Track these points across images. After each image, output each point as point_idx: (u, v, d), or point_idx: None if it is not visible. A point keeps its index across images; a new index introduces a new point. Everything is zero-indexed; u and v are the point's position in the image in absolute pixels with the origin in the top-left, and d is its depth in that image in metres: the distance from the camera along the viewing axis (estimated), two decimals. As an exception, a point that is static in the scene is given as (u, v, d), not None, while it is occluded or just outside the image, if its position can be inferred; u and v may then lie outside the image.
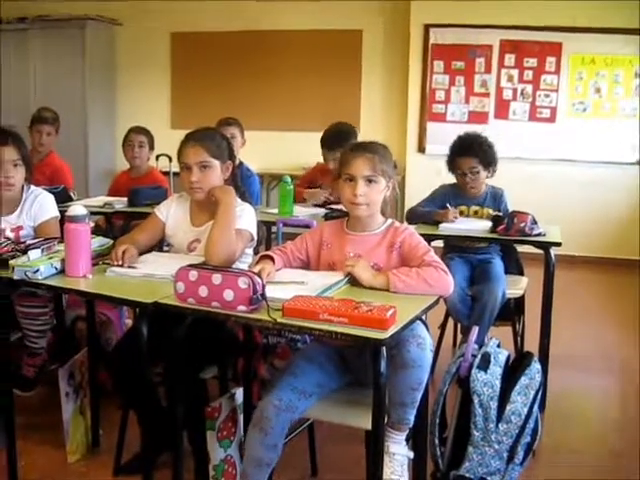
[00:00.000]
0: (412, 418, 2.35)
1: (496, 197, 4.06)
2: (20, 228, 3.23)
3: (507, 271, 3.97)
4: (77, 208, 2.59)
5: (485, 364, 2.45)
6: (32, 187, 3.34)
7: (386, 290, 2.33)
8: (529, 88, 7.34)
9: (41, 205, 3.28)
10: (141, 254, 2.82)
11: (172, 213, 2.99)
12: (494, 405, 2.40)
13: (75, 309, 3.53)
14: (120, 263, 2.63)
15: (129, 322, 3.70)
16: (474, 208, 4.05)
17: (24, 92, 8.08)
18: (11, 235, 3.14)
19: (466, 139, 4.02)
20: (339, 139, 4.18)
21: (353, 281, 2.40)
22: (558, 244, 3.59)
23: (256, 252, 3.04)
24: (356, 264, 2.40)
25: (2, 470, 2.76)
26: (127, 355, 2.67)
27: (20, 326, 3.35)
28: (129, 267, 2.63)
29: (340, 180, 2.55)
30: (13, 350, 3.32)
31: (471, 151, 3.94)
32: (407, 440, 2.43)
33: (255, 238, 2.91)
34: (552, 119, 7.32)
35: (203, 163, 2.83)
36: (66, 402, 2.95)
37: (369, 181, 2.49)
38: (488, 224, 3.79)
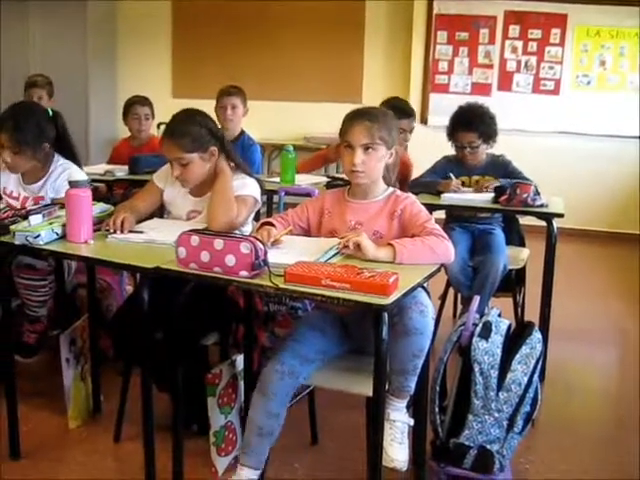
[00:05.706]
0: (413, 385, 2.35)
1: (496, 164, 4.04)
2: (41, 198, 3.22)
3: (508, 242, 3.96)
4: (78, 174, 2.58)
5: (486, 333, 2.45)
6: (61, 159, 3.32)
7: (391, 262, 2.25)
8: (533, 60, 7.27)
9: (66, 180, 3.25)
10: (140, 221, 2.80)
11: (170, 181, 2.96)
12: (495, 374, 2.40)
13: (76, 276, 3.52)
14: (116, 230, 2.62)
15: (129, 288, 3.71)
16: (475, 178, 4.03)
17: (24, 63, 7.97)
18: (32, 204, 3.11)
19: (466, 112, 3.99)
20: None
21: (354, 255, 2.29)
22: (561, 215, 3.56)
23: (257, 220, 3.03)
24: (358, 235, 2.30)
25: (3, 435, 2.78)
26: (128, 321, 2.67)
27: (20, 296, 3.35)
28: (131, 232, 2.63)
29: (341, 147, 2.53)
30: (14, 316, 3.32)
31: (471, 126, 3.92)
32: (407, 407, 2.42)
33: (260, 202, 2.89)
34: (556, 91, 7.26)
35: (179, 160, 2.79)
36: (67, 368, 2.96)
37: (367, 149, 2.44)
38: (490, 195, 3.77)
